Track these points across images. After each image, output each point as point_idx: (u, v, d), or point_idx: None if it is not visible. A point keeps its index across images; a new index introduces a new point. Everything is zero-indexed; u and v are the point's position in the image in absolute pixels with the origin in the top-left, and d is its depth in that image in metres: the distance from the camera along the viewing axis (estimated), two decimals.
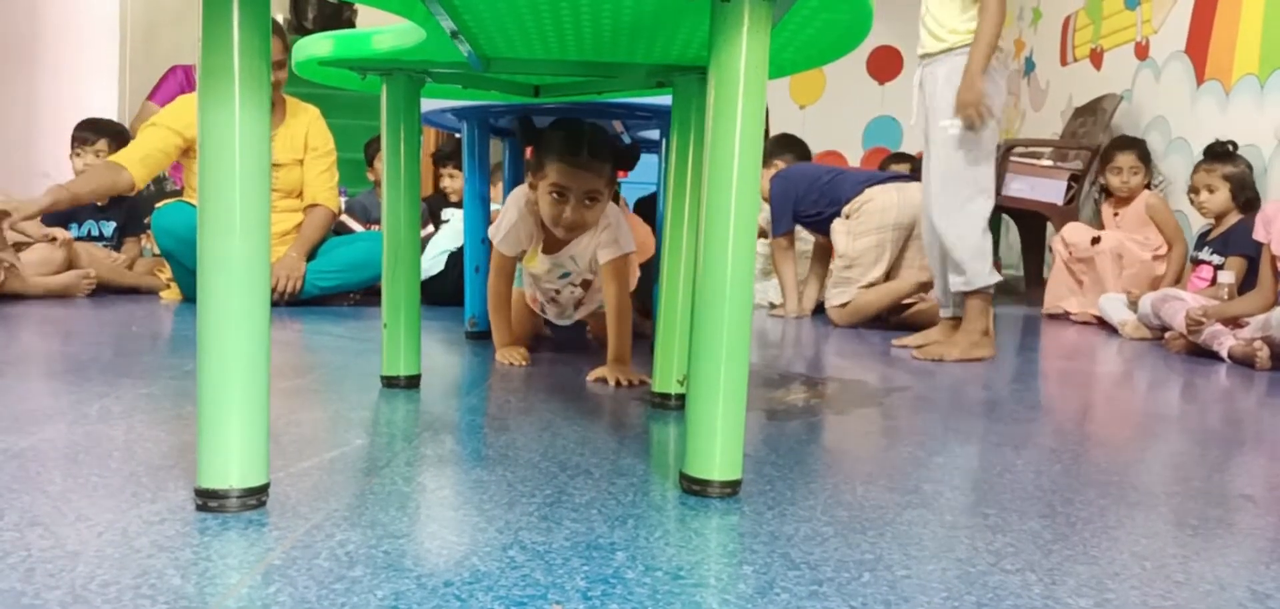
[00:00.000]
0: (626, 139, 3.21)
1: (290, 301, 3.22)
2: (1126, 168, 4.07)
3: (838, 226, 3.53)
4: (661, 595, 0.85)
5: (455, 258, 3.31)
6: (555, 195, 1.99)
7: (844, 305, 3.42)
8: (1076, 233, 4.08)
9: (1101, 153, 4.33)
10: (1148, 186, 4.12)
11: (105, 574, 0.85)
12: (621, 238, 2.09)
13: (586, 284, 2.30)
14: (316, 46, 1.74)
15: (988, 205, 2.63)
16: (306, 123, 3.40)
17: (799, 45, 1.52)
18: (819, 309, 3.79)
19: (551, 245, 2.17)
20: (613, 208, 2.10)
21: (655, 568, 0.91)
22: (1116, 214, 4.11)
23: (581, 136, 1.97)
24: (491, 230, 2.15)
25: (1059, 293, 4.13)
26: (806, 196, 3.66)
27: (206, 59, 1.01)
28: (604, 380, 1.95)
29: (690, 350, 1.21)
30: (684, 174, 1.74)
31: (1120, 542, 1.07)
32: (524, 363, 2.08)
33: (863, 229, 3.43)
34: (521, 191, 2.12)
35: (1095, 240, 3.98)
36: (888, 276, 3.45)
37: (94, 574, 0.85)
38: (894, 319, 3.44)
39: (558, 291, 2.32)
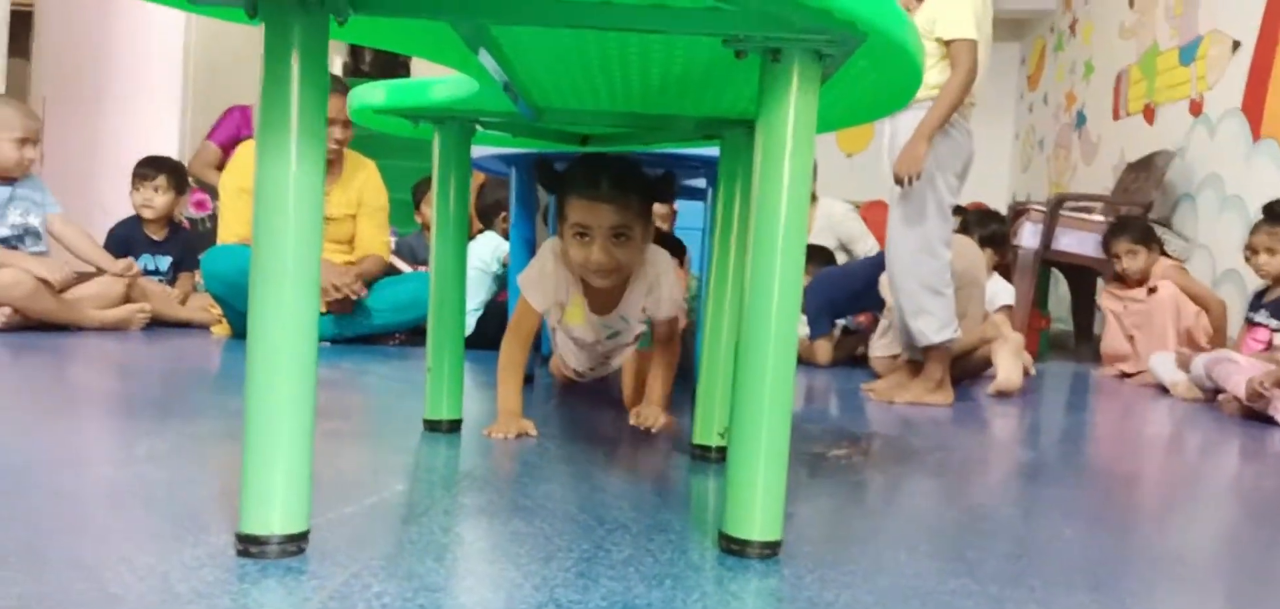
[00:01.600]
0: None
1: (337, 329, 3.28)
2: (1124, 253, 4.00)
3: (885, 280, 3.51)
4: None
5: (484, 315, 3.35)
6: (578, 235, 1.81)
7: (895, 357, 3.38)
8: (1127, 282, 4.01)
9: (1102, 243, 4.24)
10: (1165, 254, 4.02)
11: None
12: (676, 293, 1.98)
13: (636, 337, 2.14)
14: (371, 95, 1.78)
15: (935, 264, 2.67)
16: (362, 179, 3.49)
17: (849, 103, 1.52)
18: (852, 361, 3.77)
19: (599, 304, 1.99)
20: (661, 257, 1.98)
21: None
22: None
23: (601, 169, 1.79)
24: (521, 278, 1.94)
25: (1115, 351, 4.05)
26: (845, 286, 3.69)
27: (265, 112, 1.03)
28: (640, 418, 1.96)
29: (732, 406, 1.20)
30: (730, 226, 1.74)
31: None
32: (528, 435, 1.80)
33: None
34: (553, 242, 1.96)
35: (1152, 291, 3.91)
36: None
37: None
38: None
39: (609, 354, 2.15)
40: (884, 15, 1.08)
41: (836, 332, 3.84)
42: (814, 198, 4.05)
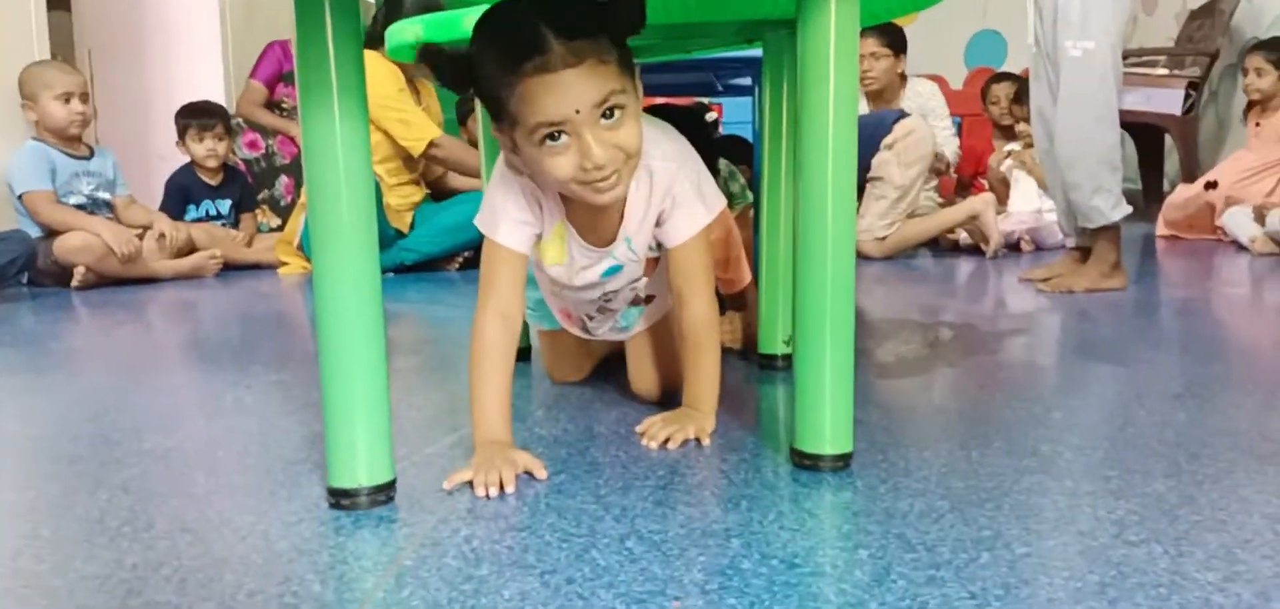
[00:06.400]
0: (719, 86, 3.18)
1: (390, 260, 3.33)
2: (1252, 69, 3.81)
3: (888, 158, 3.44)
4: (778, 586, 0.86)
5: None
6: (549, 139, 1.14)
7: (885, 238, 3.37)
8: (1183, 193, 3.83)
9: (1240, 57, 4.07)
10: None
11: (252, 583, 0.90)
12: (704, 190, 1.32)
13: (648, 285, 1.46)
14: (407, 32, 1.77)
15: (1114, 137, 2.48)
16: (428, 97, 3.68)
17: None
18: None
19: (594, 230, 1.33)
20: (665, 141, 1.31)
21: (770, 556, 0.93)
22: (1258, 124, 3.84)
23: (536, 21, 1.10)
24: (478, 220, 1.32)
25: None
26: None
27: (304, 76, 1.04)
28: (652, 435, 1.30)
29: (794, 317, 1.20)
30: (778, 128, 1.73)
31: (1251, 503, 1.04)
32: (502, 489, 1.13)
33: (911, 158, 3.37)
34: (506, 160, 1.28)
35: (1210, 186, 3.75)
36: None
37: (241, 583, 0.90)
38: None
39: (608, 300, 1.46)
40: None
41: None
42: (903, 77, 3.91)
